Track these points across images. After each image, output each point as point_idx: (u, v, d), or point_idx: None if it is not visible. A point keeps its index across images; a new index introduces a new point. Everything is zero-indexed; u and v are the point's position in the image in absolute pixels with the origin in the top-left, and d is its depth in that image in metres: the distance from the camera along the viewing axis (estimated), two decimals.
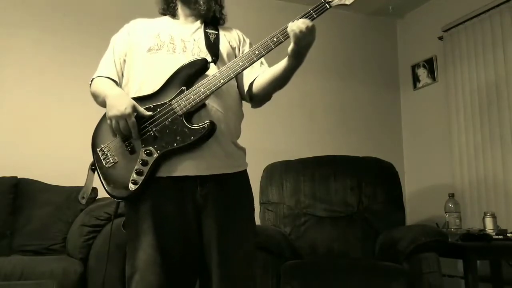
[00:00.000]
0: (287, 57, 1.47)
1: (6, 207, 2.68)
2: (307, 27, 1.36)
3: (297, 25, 1.36)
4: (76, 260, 2.34)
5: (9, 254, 2.53)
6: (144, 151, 1.40)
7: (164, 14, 1.66)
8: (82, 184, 2.80)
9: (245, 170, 1.57)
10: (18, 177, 2.83)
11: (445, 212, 2.96)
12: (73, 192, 2.80)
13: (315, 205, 2.86)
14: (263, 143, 3.40)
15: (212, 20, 1.64)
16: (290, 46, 1.41)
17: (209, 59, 1.49)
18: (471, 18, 3.41)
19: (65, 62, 3.22)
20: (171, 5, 1.63)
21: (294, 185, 2.91)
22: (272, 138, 3.61)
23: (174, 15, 1.63)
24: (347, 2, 1.44)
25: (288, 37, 1.40)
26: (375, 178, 2.92)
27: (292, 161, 3.04)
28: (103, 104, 1.49)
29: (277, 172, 2.97)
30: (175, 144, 1.40)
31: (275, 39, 1.42)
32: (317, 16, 1.41)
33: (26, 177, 2.86)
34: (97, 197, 2.73)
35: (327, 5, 1.43)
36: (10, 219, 2.67)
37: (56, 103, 3.17)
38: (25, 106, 3.10)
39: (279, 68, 1.51)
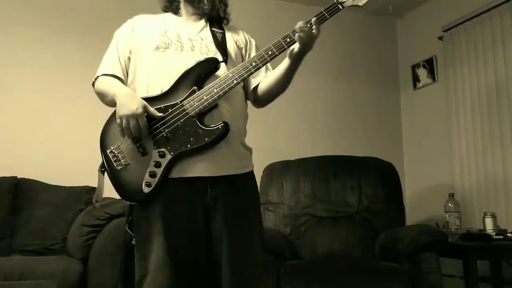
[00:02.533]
0: (287, 59, 1.48)
1: (6, 207, 2.68)
2: (315, 33, 1.40)
3: (304, 28, 1.39)
4: (76, 260, 2.35)
5: (9, 254, 2.54)
6: (157, 152, 1.39)
7: (166, 11, 1.64)
8: (82, 184, 2.84)
9: (252, 171, 1.57)
10: (18, 177, 2.83)
11: (445, 212, 2.96)
12: (73, 192, 2.81)
13: (315, 205, 2.86)
14: (263, 143, 3.38)
15: (216, 19, 1.63)
16: (296, 48, 1.42)
17: (220, 58, 1.47)
18: (471, 18, 3.41)
19: (65, 62, 3.22)
20: (174, 3, 1.62)
21: (294, 185, 2.91)
22: (272, 138, 3.60)
23: (176, 13, 1.61)
24: (360, 4, 1.45)
25: None
26: (375, 178, 2.92)
27: (292, 161, 3.04)
28: (111, 103, 1.47)
29: (277, 172, 2.97)
30: (188, 146, 1.39)
31: (288, 40, 1.42)
32: (329, 17, 1.42)
33: (26, 177, 2.86)
34: None
35: (340, 6, 1.44)
36: (10, 219, 2.67)
37: (56, 103, 3.17)
38: (25, 106, 3.10)
39: (280, 72, 1.53)
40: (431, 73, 3.86)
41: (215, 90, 1.40)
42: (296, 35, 1.39)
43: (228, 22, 1.66)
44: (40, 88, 3.16)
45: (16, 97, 3.09)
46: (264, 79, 1.59)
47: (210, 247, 1.44)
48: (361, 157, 3.08)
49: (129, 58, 1.55)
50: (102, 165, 1.46)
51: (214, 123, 1.40)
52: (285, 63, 1.49)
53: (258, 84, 1.60)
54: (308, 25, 1.40)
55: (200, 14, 1.59)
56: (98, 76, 1.55)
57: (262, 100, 1.62)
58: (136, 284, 1.43)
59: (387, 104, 4.13)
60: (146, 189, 1.39)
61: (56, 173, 2.94)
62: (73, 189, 2.82)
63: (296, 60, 1.46)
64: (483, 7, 3.32)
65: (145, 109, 1.39)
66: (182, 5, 1.60)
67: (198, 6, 1.56)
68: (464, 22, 3.47)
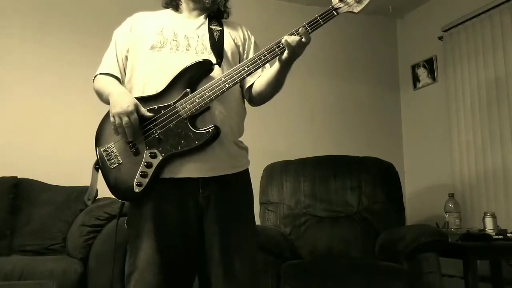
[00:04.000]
0: (277, 63, 1.48)
1: (6, 207, 2.68)
2: (304, 41, 1.39)
3: (293, 38, 1.38)
4: (76, 260, 2.35)
5: (9, 254, 2.54)
6: (149, 153, 1.41)
7: (167, 7, 1.64)
8: (82, 184, 2.84)
9: (247, 169, 1.57)
10: (18, 177, 2.83)
11: (445, 212, 2.96)
12: (73, 192, 2.81)
13: (315, 205, 2.86)
14: (263, 143, 3.40)
15: (217, 14, 1.62)
16: (284, 56, 1.42)
17: (214, 60, 1.47)
18: (471, 18, 3.42)
19: (65, 62, 3.23)
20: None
21: (294, 185, 2.91)
22: (272, 138, 3.61)
23: (177, 9, 1.61)
24: (355, 10, 1.45)
25: None
26: (375, 178, 2.92)
27: (292, 161, 3.04)
28: (107, 101, 1.49)
29: (277, 172, 2.97)
30: (179, 148, 1.40)
31: (280, 45, 1.41)
32: (323, 23, 1.42)
33: (26, 177, 2.86)
34: (97, 197, 2.73)
35: (335, 13, 1.44)
36: (10, 219, 2.67)
37: (56, 103, 3.17)
38: (25, 106, 3.10)
39: (271, 74, 1.52)
40: (431, 73, 3.86)
41: (207, 94, 1.40)
42: (285, 42, 1.39)
43: (228, 16, 1.65)
44: (40, 88, 3.16)
45: (16, 97, 3.09)
46: (258, 79, 1.59)
47: (203, 247, 1.45)
48: (361, 157, 3.08)
49: (126, 57, 1.56)
50: (97, 162, 1.48)
51: (206, 126, 1.41)
52: (276, 66, 1.49)
53: (253, 83, 1.59)
54: (297, 33, 1.39)
55: (201, 9, 1.58)
56: (97, 75, 1.57)
57: (256, 100, 1.62)
58: (125, 278, 1.45)
59: (387, 104, 4.13)
60: (137, 189, 1.41)
61: (56, 173, 2.94)
62: (73, 189, 2.82)
63: (286, 65, 1.46)
64: (483, 7, 3.32)
65: (136, 107, 1.40)
66: (182, 0, 1.60)
67: (199, 0, 1.56)
68: (464, 22, 3.48)
